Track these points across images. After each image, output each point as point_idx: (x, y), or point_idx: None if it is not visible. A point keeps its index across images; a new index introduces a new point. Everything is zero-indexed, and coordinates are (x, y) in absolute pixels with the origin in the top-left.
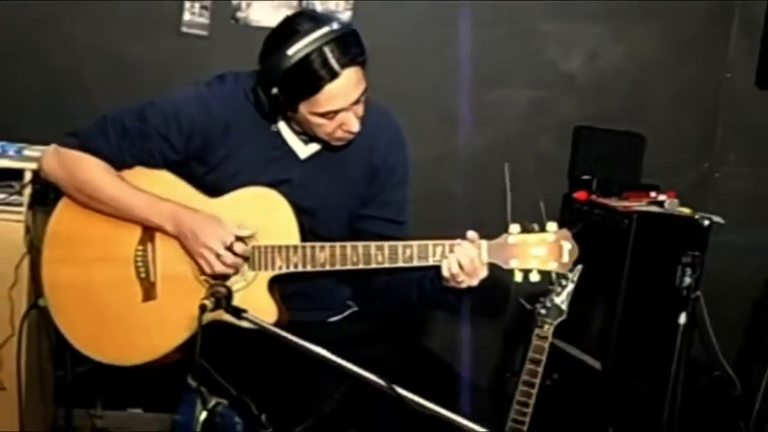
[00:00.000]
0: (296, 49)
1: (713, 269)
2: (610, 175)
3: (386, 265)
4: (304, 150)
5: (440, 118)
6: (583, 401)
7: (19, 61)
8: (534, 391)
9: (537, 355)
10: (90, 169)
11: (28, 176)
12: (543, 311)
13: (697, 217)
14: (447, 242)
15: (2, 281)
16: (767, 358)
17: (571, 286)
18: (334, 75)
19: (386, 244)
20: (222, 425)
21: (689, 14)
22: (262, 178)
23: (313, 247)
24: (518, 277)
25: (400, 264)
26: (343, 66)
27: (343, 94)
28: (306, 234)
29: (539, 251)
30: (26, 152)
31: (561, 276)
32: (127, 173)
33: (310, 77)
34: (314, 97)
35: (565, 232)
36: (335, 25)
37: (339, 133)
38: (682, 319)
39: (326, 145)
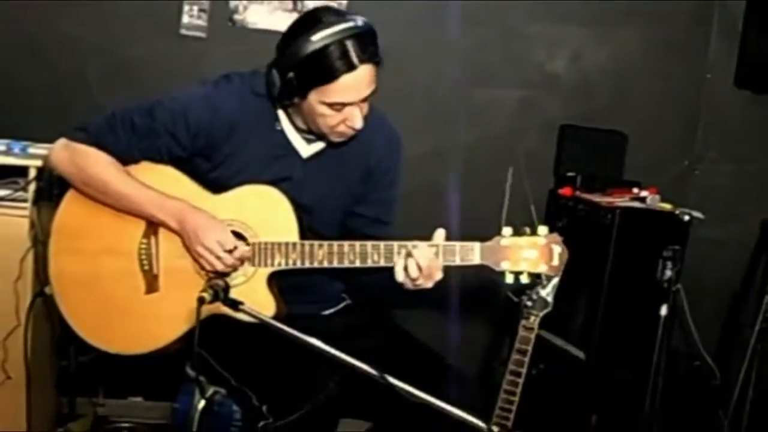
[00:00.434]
0: (320, 37)
1: (693, 263)
2: (594, 172)
3: (381, 263)
4: (306, 149)
5: (430, 116)
6: (567, 390)
7: (25, 62)
8: (521, 380)
9: (523, 345)
10: (98, 164)
11: (32, 173)
12: (529, 303)
13: (677, 212)
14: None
15: (8, 274)
16: (745, 349)
17: (556, 280)
18: (351, 67)
19: (382, 244)
20: (220, 413)
21: (671, 17)
22: (265, 175)
23: (311, 245)
24: (509, 278)
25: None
26: (362, 61)
27: (355, 88)
28: (305, 231)
29: (530, 254)
30: (31, 150)
31: None
32: (133, 168)
33: (329, 66)
34: (328, 86)
35: (556, 236)
36: (359, 22)
37: (341, 128)
38: (663, 310)
39: (328, 145)
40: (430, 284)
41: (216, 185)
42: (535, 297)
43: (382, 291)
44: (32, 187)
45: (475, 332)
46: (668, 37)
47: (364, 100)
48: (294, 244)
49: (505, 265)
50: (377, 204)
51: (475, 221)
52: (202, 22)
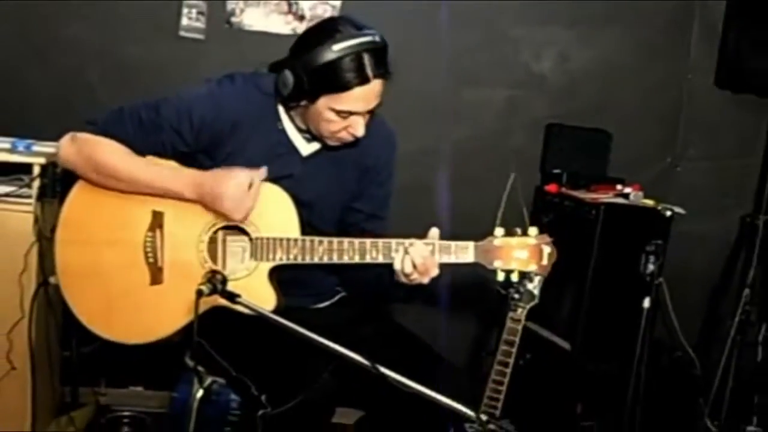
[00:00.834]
0: (340, 48)
1: (675, 257)
2: (579, 169)
3: (380, 260)
4: (306, 148)
5: (419, 115)
6: (553, 380)
7: (28, 62)
8: (508, 371)
9: (511, 336)
10: (108, 149)
11: (36, 170)
12: (516, 296)
13: (660, 208)
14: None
15: (13, 268)
16: (725, 340)
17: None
18: (365, 80)
19: (380, 241)
20: (217, 402)
21: (653, 19)
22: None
23: (312, 241)
24: (500, 276)
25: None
26: (375, 76)
27: (365, 99)
28: (305, 227)
29: (521, 254)
30: (35, 148)
31: None
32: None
33: (344, 76)
34: (340, 95)
35: (546, 237)
36: (377, 37)
37: (343, 134)
38: (646, 303)
39: (326, 144)
40: (426, 280)
41: None
42: (522, 290)
43: (375, 286)
44: (36, 183)
45: (464, 324)
46: (651, 39)
47: (370, 111)
48: (295, 240)
49: (497, 264)
50: (374, 200)
51: (463, 217)
52: (200, 24)
